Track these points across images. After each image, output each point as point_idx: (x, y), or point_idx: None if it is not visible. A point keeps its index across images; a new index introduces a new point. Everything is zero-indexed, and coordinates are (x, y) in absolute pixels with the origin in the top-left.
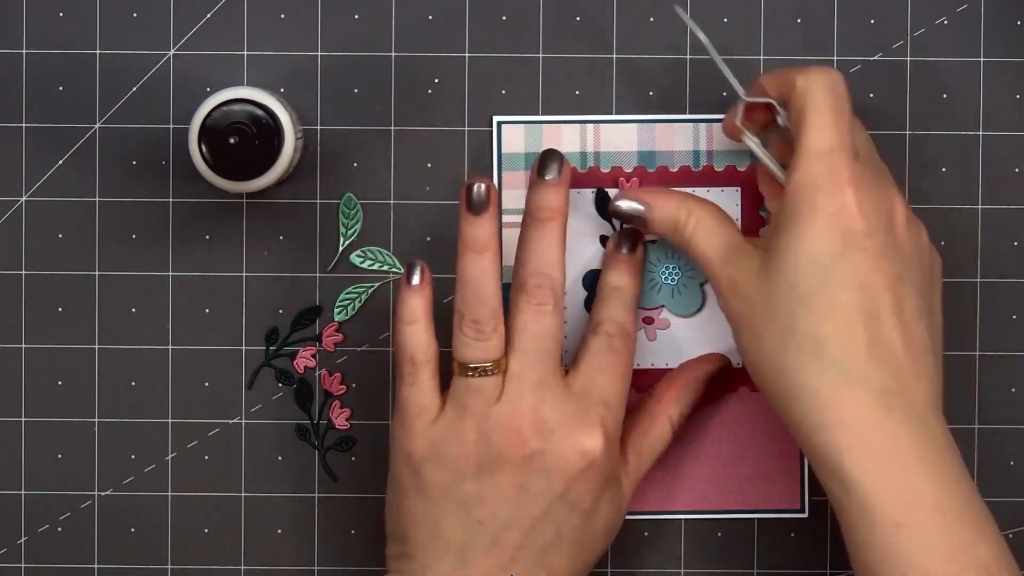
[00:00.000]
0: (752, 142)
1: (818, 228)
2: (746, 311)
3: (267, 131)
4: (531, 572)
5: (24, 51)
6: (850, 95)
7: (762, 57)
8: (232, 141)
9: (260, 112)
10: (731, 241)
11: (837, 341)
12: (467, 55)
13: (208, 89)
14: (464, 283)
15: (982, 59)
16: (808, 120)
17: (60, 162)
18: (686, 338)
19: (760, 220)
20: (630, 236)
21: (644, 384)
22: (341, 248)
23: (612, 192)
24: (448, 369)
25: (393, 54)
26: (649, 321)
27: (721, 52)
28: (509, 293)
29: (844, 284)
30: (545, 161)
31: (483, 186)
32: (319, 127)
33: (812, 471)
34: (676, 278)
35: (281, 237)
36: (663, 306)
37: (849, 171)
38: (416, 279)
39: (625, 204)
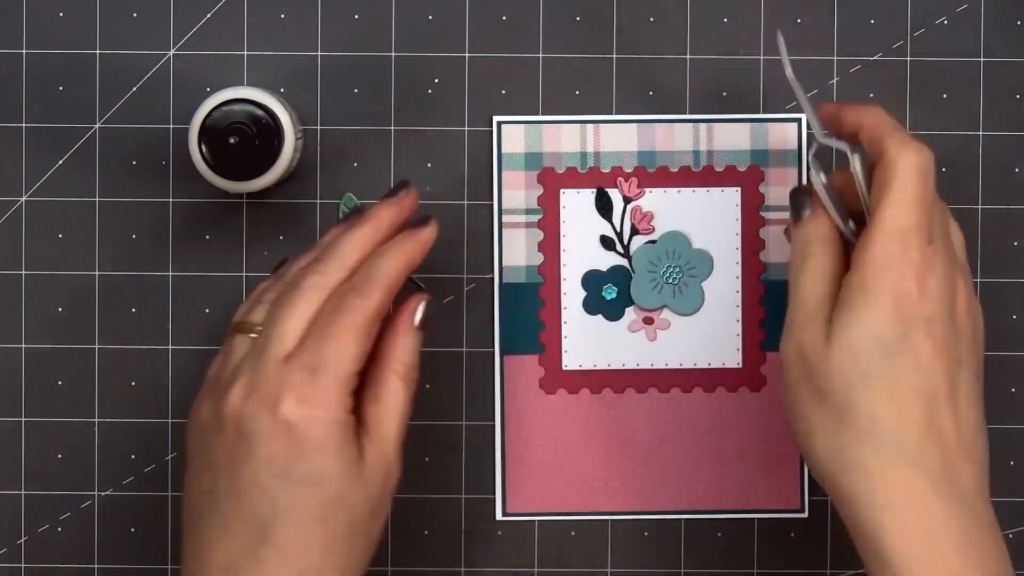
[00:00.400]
0: (822, 188)
1: (886, 309)
2: (803, 373)
3: (267, 131)
4: (255, 550)
5: (24, 51)
6: (935, 174)
7: (762, 57)
8: (232, 141)
9: (260, 112)
10: (825, 299)
11: (893, 420)
12: (467, 55)
13: (208, 89)
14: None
15: (982, 59)
16: (891, 196)
17: (60, 162)
18: (687, 338)
19: (760, 220)
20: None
21: (645, 385)
22: None
23: (612, 192)
24: None
25: (393, 54)
26: (649, 321)
27: (721, 52)
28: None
29: (905, 366)
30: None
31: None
32: (319, 127)
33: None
34: (678, 278)
35: (281, 237)
36: (665, 306)
37: (921, 256)
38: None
39: (802, 193)
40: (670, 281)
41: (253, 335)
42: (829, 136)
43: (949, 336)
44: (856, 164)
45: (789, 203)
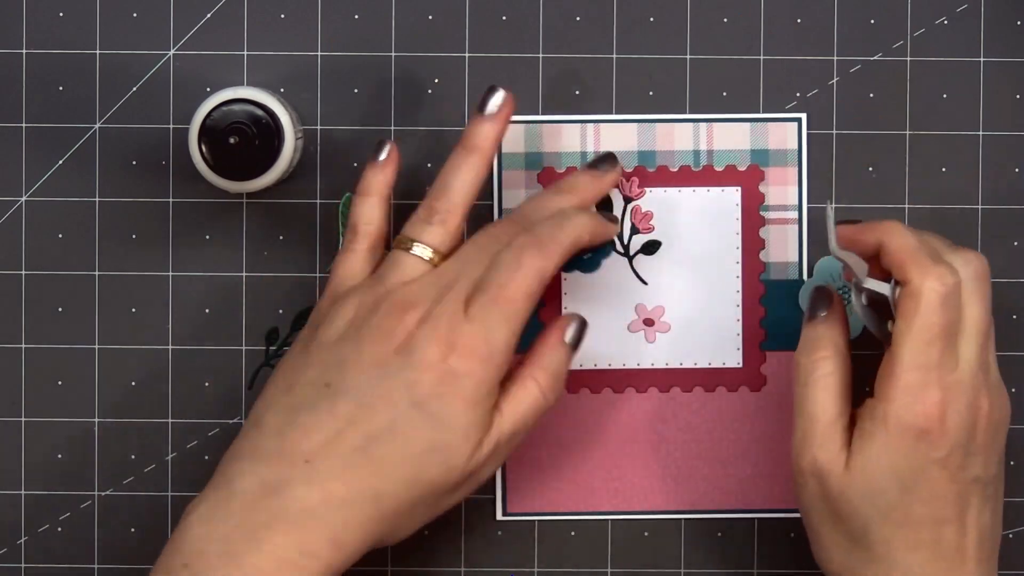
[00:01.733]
0: (860, 306)
1: (906, 447)
2: (819, 493)
3: (267, 131)
4: (350, 454)
5: (24, 51)
6: (958, 302)
7: (762, 57)
8: (232, 141)
9: (260, 112)
10: (837, 417)
11: (904, 547)
12: (467, 55)
13: (208, 89)
14: (442, 173)
15: (982, 59)
16: (913, 329)
17: (60, 162)
18: (687, 338)
19: (760, 220)
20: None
21: (645, 385)
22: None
23: (613, 192)
24: None
25: (393, 54)
26: (650, 323)
27: (721, 52)
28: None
29: (921, 499)
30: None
31: (503, 93)
32: (319, 127)
33: None
34: (848, 301)
35: (281, 237)
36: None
37: (941, 393)
38: (383, 155)
39: (826, 291)
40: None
41: (418, 253)
42: (846, 251)
43: (968, 459)
44: (862, 300)
45: (810, 297)
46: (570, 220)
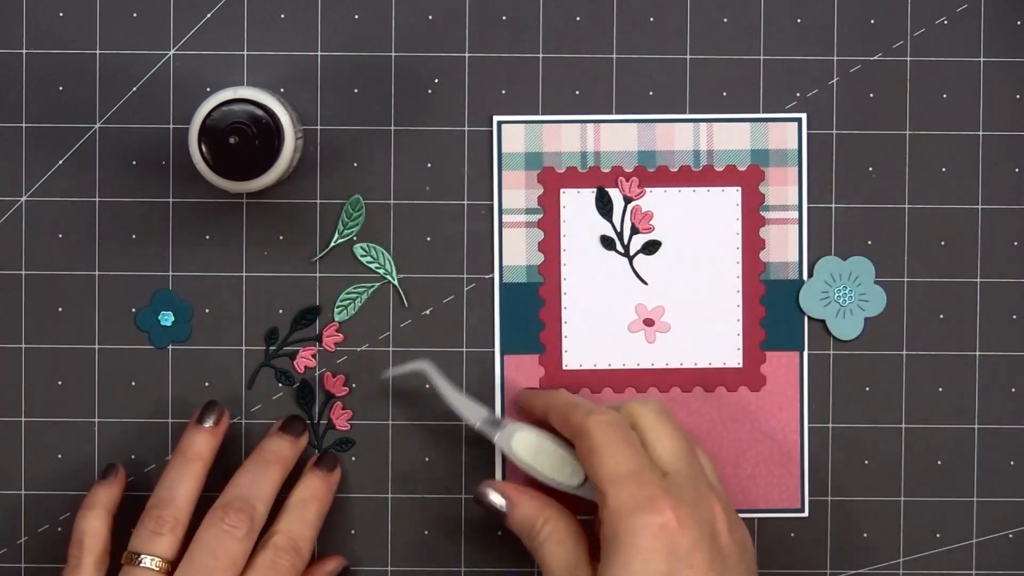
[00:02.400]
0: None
1: (644, 551)
2: None
3: (267, 131)
4: None
5: (24, 51)
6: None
7: (762, 57)
8: (232, 141)
9: (260, 112)
10: (577, 560)
11: None
12: (467, 55)
13: (208, 89)
14: (163, 481)
15: (982, 59)
16: (599, 453)
17: (60, 162)
18: (687, 338)
19: (760, 220)
20: (330, 458)
21: (646, 384)
22: (332, 243)
23: (613, 192)
24: None
25: (393, 54)
26: (650, 323)
27: (721, 52)
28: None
29: None
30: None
31: (220, 409)
32: (319, 127)
33: (811, 469)
34: (848, 302)
35: (281, 237)
36: (823, 321)
37: (661, 488)
38: (110, 475)
39: (491, 496)
40: (839, 301)
41: (155, 568)
42: (491, 423)
43: (715, 560)
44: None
45: (483, 508)
46: (310, 525)
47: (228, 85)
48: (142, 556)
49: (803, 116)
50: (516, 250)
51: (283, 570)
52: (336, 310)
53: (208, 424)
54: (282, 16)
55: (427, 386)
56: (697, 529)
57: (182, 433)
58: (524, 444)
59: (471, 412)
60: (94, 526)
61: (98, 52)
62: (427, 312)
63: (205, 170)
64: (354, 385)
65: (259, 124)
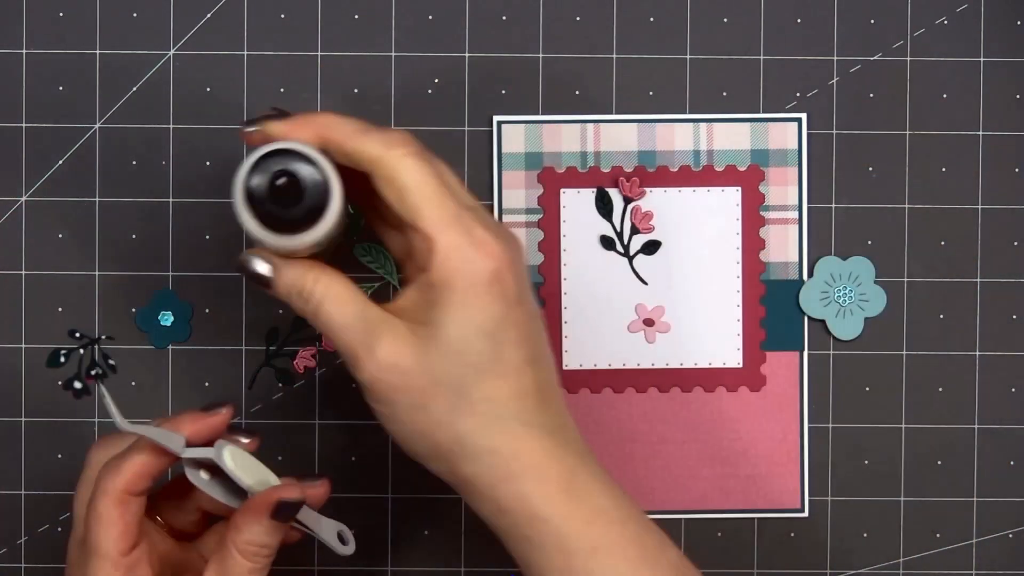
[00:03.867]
0: (206, 484)
1: (482, 297)
2: (402, 383)
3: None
4: None
5: (24, 51)
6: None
7: (762, 57)
8: (279, 183)
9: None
10: (368, 313)
11: (511, 397)
12: (467, 55)
13: (208, 89)
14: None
15: (982, 59)
16: (416, 193)
17: (60, 162)
18: (687, 338)
19: (760, 219)
20: None
21: (645, 385)
22: None
23: (613, 192)
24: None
25: (393, 54)
26: (650, 323)
27: (721, 52)
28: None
29: (511, 342)
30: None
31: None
32: None
33: (811, 470)
34: (848, 302)
35: None
36: (823, 320)
37: (488, 234)
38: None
39: (255, 263)
40: (839, 301)
41: None
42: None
43: (528, 294)
44: (227, 460)
45: (246, 278)
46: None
47: (228, 85)
48: None
49: (803, 116)
50: None
51: None
52: None
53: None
54: (282, 16)
55: None
56: (517, 269)
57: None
58: (232, 456)
59: (173, 441)
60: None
61: (98, 52)
62: None
63: (259, 231)
64: (354, 385)
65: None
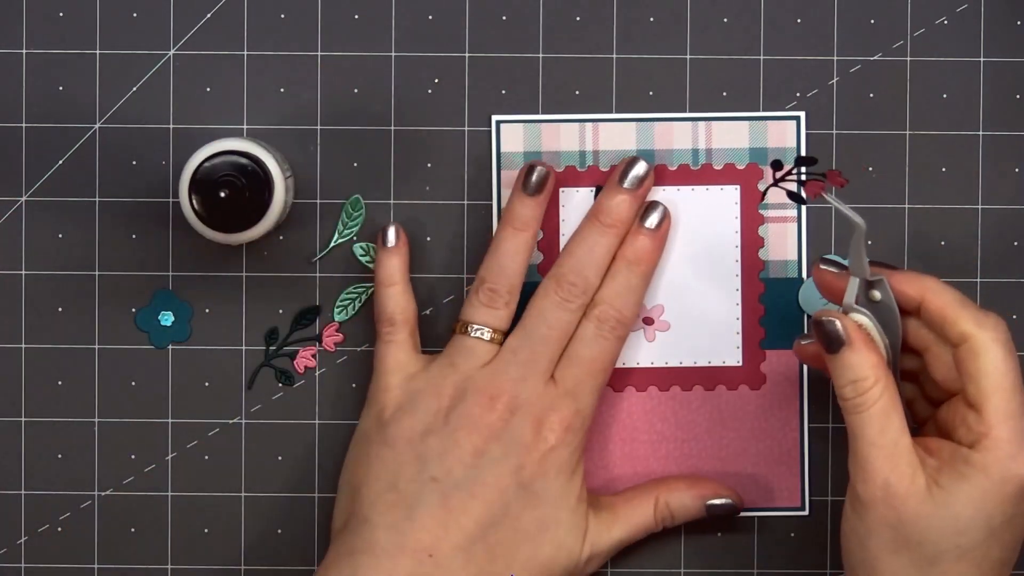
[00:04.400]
0: (874, 327)
1: (1006, 496)
2: (891, 519)
3: (256, 181)
4: (469, 545)
5: (24, 51)
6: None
7: (762, 57)
8: (223, 195)
9: (247, 162)
10: (902, 442)
11: None
12: (467, 55)
13: (208, 89)
14: (494, 253)
15: (982, 59)
16: (994, 382)
17: (60, 162)
18: (687, 336)
19: (759, 218)
20: (654, 206)
21: (645, 383)
22: (332, 243)
23: None
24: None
25: (393, 54)
26: (649, 322)
27: (721, 52)
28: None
29: (1001, 543)
30: (628, 168)
31: (543, 170)
32: (319, 127)
33: (811, 468)
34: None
35: (281, 237)
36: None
37: None
38: (392, 240)
39: (835, 324)
40: None
41: (486, 338)
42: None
43: None
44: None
45: (816, 334)
46: (636, 291)
47: (228, 85)
48: (476, 327)
49: (801, 115)
50: None
51: (608, 341)
52: (336, 310)
53: (531, 192)
54: (282, 16)
55: None
56: None
57: (508, 202)
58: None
59: (859, 269)
60: (400, 302)
61: (98, 52)
62: (427, 312)
63: (199, 225)
64: (354, 385)
65: (247, 175)
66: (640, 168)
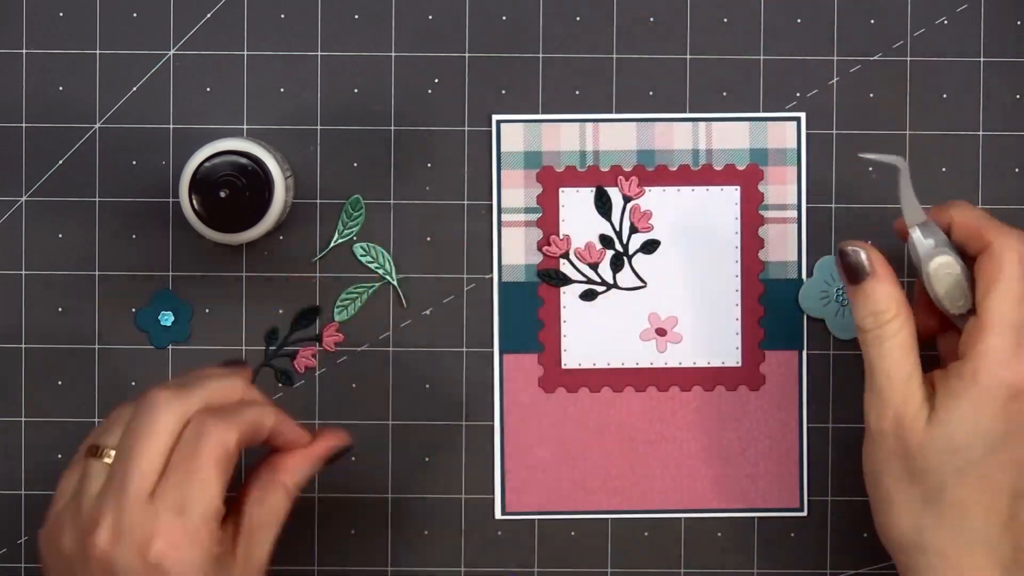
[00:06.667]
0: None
1: (996, 406)
2: (899, 450)
3: (256, 181)
4: None
5: (24, 51)
6: None
7: (762, 57)
8: (222, 195)
9: (247, 162)
10: (912, 373)
11: (980, 513)
12: (467, 55)
13: (208, 89)
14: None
15: (982, 59)
16: (1000, 289)
17: (60, 162)
18: (686, 337)
19: (759, 219)
20: None
21: (645, 384)
22: (332, 243)
23: (612, 191)
24: None
25: (393, 54)
26: (662, 332)
27: (721, 52)
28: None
29: (1001, 463)
30: None
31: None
32: (319, 127)
33: (810, 469)
34: (848, 300)
35: (281, 237)
36: (823, 320)
37: None
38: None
39: (861, 255)
40: (839, 300)
41: (107, 460)
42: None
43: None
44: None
45: (840, 264)
46: (253, 405)
47: (228, 85)
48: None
49: (802, 115)
50: (515, 249)
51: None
52: (336, 310)
53: None
54: (282, 16)
55: (427, 386)
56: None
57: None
58: (936, 265)
59: (912, 214)
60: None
61: (98, 52)
62: (427, 312)
63: (199, 225)
64: (354, 385)
65: (247, 175)
66: None
